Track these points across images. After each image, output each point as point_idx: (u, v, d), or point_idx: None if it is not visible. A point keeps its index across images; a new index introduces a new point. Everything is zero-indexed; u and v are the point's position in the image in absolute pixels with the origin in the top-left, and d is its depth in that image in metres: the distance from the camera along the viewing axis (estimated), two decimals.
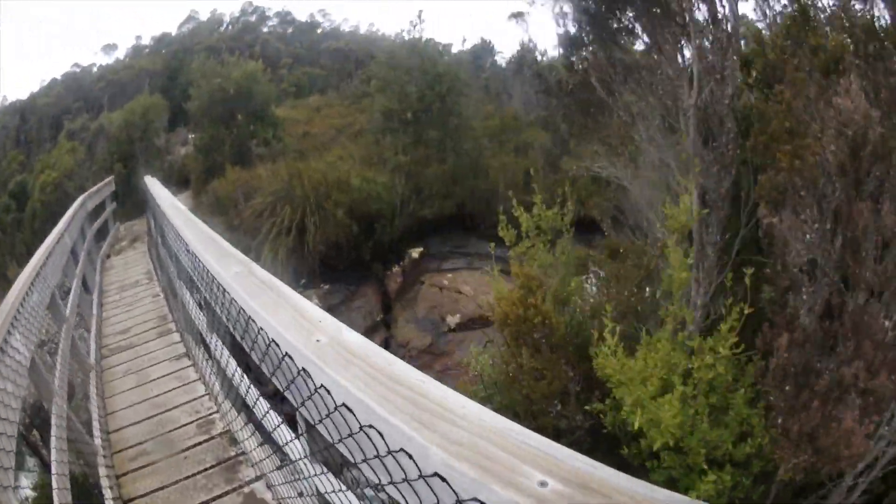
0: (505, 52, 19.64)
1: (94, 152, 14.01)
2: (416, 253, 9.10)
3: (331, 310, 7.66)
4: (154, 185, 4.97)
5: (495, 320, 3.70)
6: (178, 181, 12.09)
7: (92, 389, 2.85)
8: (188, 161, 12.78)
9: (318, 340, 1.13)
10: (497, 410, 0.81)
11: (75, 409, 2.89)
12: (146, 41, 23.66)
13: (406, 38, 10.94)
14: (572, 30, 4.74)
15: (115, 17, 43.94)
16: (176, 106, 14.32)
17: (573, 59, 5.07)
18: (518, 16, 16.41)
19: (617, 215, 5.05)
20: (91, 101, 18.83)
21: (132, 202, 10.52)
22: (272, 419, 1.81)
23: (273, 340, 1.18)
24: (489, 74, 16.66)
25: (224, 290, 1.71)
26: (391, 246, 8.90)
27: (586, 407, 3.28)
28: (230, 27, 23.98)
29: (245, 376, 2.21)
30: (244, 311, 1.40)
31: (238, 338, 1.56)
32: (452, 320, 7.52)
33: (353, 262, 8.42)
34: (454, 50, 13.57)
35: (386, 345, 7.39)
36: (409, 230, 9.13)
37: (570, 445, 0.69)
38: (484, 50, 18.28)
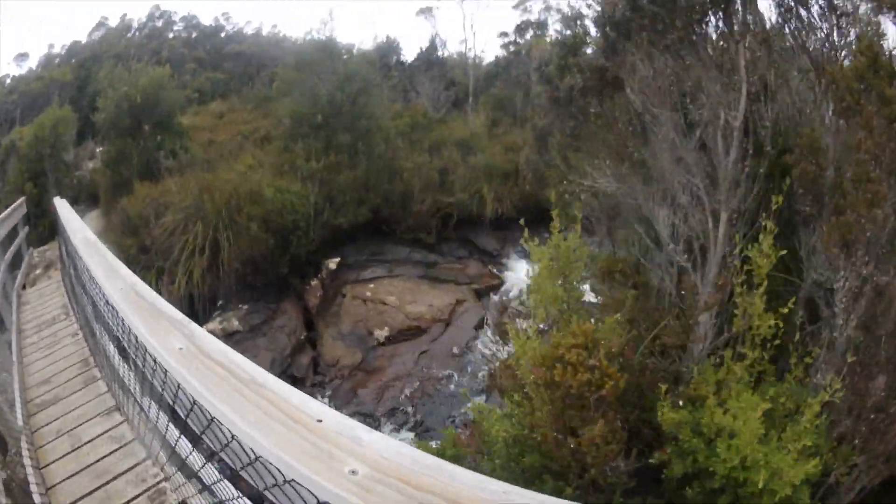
0: (412, 49, 19.76)
1: (6, 171, 12.59)
2: (332, 264, 8.87)
3: (253, 331, 7.25)
4: (63, 209, 4.39)
5: (528, 383, 3.19)
6: (87, 198, 11.37)
7: (26, 460, 2.41)
8: (96, 176, 11.96)
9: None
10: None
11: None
12: (58, 49, 22.32)
13: (315, 37, 10.67)
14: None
15: (27, 25, 37.68)
16: (84, 118, 13.47)
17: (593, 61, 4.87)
18: (426, 11, 16.64)
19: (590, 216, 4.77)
20: (3, 116, 17.35)
21: (45, 224, 9.34)
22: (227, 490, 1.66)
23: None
24: (396, 72, 16.65)
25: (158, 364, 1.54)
26: (308, 258, 8.61)
27: (650, 460, 3.06)
28: (138, 33, 23.10)
29: (183, 436, 2.02)
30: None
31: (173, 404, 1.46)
32: (381, 334, 7.43)
33: (270, 278, 8.06)
34: (360, 49, 13.39)
35: (314, 364, 7.13)
36: (325, 240, 8.90)
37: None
38: (390, 48, 18.19)
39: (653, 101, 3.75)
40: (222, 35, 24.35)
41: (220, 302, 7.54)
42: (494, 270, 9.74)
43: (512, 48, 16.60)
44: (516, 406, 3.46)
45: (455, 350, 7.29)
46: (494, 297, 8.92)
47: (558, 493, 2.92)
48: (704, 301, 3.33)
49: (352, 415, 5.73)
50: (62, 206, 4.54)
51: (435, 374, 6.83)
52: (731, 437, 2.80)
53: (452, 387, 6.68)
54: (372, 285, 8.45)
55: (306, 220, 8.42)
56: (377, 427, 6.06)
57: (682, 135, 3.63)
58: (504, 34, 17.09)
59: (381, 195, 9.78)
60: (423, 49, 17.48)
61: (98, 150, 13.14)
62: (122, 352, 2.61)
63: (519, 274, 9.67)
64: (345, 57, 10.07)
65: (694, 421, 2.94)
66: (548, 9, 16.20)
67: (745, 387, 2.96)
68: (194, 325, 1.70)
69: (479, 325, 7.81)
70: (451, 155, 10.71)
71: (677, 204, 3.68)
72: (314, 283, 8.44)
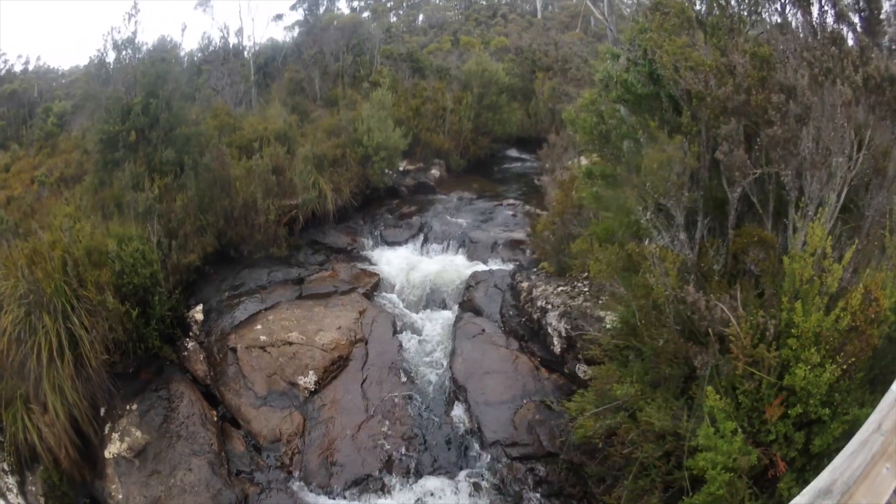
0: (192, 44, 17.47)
1: None
2: (198, 314, 7.37)
3: (162, 436, 5.90)
4: None
5: None
6: None
7: None
8: None
9: None
10: None
11: None
12: None
13: (117, 38, 8.67)
14: None
15: None
16: None
17: None
18: (204, 2, 14.45)
19: None
20: None
21: None
22: None
23: None
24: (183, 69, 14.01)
25: None
26: (172, 318, 6.89)
27: None
28: None
29: None
30: None
31: None
32: (307, 381, 6.56)
33: (142, 358, 6.45)
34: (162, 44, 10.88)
35: (256, 450, 5.90)
36: (176, 287, 7.18)
37: None
38: (169, 45, 15.04)
39: None
40: None
41: (104, 409, 5.59)
42: (366, 267, 9.43)
43: (298, 28, 15.39)
44: None
45: (393, 362, 7.03)
46: (389, 296, 8.75)
47: None
48: None
49: (357, 487, 5.17)
50: None
51: (392, 399, 6.51)
52: None
53: (419, 403, 6.52)
54: (259, 326, 7.27)
55: (158, 269, 6.67)
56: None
57: None
58: (279, 16, 15.97)
59: (221, 214, 8.28)
60: (215, 42, 15.19)
61: None
62: None
63: (391, 264, 9.64)
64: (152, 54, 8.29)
65: None
66: None
67: None
68: None
69: (396, 331, 7.66)
70: (276, 151, 9.57)
71: None
72: (190, 345, 6.84)
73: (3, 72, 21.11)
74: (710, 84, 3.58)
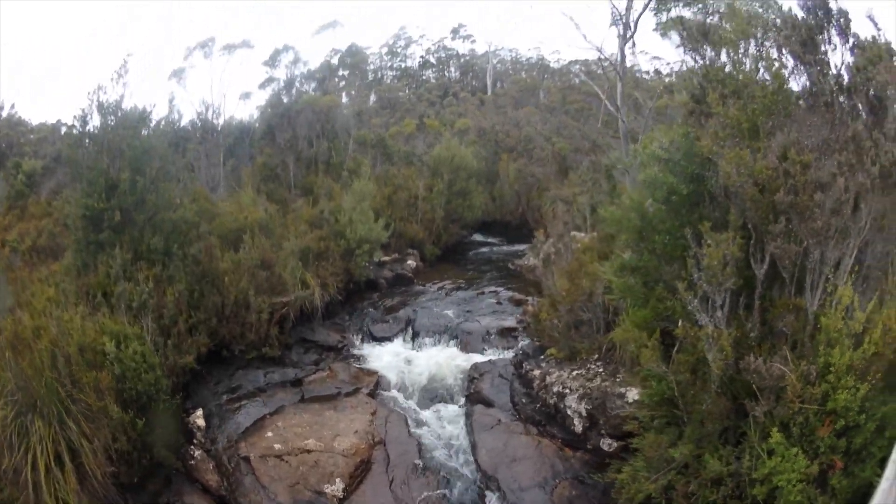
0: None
1: None
2: (199, 420, 7.38)
3: None
4: None
5: None
6: None
7: None
8: None
9: None
10: None
11: None
12: None
13: (103, 100, 8.40)
14: None
15: None
16: None
17: None
18: (178, 73, 15.06)
19: None
20: None
21: None
22: None
23: None
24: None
25: None
26: (175, 424, 6.89)
27: None
28: None
29: None
30: None
31: None
32: (334, 489, 6.62)
33: (146, 467, 6.33)
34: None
35: None
36: (176, 390, 7.24)
37: None
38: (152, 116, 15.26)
39: None
40: None
41: None
42: (362, 366, 9.72)
43: (270, 110, 16.17)
44: None
45: (417, 461, 7.26)
46: (389, 393, 9.03)
47: None
48: None
49: None
50: None
51: (425, 499, 6.69)
52: None
53: (453, 500, 6.74)
54: (269, 434, 7.33)
55: (162, 374, 6.72)
56: None
57: None
58: (247, 95, 16.75)
59: (213, 311, 8.44)
60: (192, 118, 15.50)
61: None
62: None
63: (386, 361, 10.01)
64: (138, 126, 8.28)
65: None
66: (296, 61, 16.79)
67: None
68: None
69: (410, 429, 7.93)
70: (262, 244, 10.00)
71: None
72: (197, 454, 6.78)
73: None
74: (765, 188, 4.66)
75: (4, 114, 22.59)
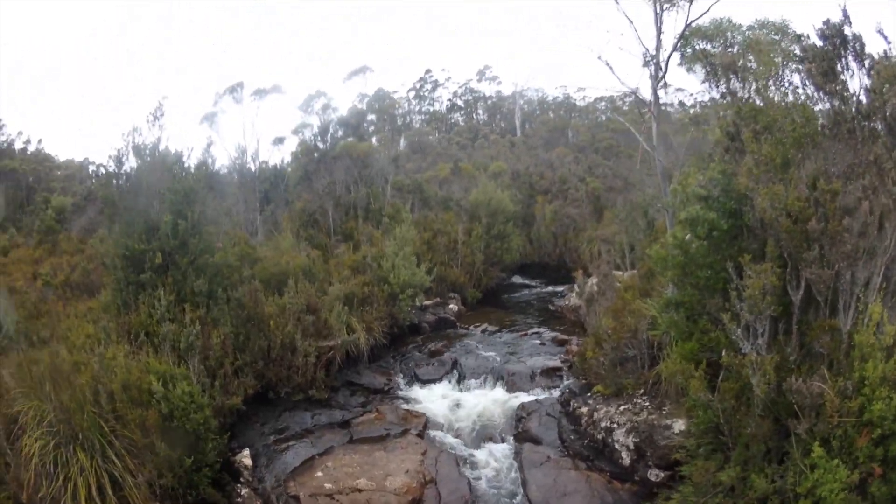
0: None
1: None
2: (246, 458, 7.88)
3: None
4: None
5: None
6: None
7: None
8: None
9: None
10: None
11: None
12: None
13: (139, 140, 9.10)
14: None
15: None
16: None
17: None
18: (210, 117, 16.21)
19: None
20: None
21: None
22: None
23: None
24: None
25: None
26: (221, 464, 7.47)
27: None
28: None
29: None
30: None
31: None
32: None
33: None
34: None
35: None
36: (223, 429, 7.86)
37: None
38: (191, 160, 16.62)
39: None
40: None
41: None
42: (409, 408, 10.21)
43: (303, 157, 17.23)
44: None
45: (468, 499, 7.64)
46: (438, 433, 9.48)
47: None
48: None
49: None
50: None
51: None
52: None
53: None
54: (319, 473, 7.81)
55: (211, 415, 7.31)
56: None
57: None
58: (279, 140, 17.71)
59: (259, 354, 9.11)
60: (228, 162, 16.60)
61: None
62: None
63: (433, 403, 10.48)
64: (180, 168, 9.00)
65: None
66: (326, 108, 17.84)
67: None
68: None
69: (460, 468, 8.34)
70: (307, 289, 10.77)
71: None
72: (244, 492, 7.28)
73: (5, 145, 22.33)
74: (798, 218, 5.14)
75: (32, 148, 24.63)
